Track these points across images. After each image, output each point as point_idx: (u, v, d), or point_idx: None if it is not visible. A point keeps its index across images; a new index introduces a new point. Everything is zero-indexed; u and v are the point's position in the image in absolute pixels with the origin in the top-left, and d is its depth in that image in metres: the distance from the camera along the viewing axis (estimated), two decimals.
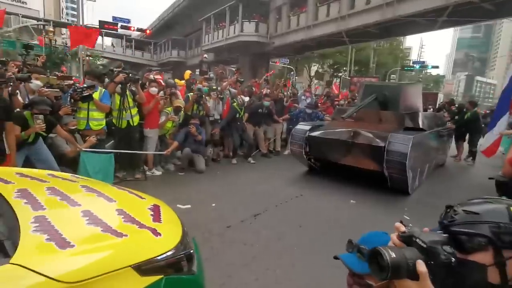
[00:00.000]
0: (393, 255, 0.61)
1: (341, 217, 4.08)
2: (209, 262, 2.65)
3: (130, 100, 4.71)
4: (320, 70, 35.17)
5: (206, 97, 6.26)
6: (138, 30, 23.13)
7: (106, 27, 20.65)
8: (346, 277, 0.94)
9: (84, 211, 1.51)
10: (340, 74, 31.67)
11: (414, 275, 0.62)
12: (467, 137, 8.38)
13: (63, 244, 1.21)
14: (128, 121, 4.76)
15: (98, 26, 21.06)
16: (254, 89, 8.72)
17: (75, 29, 6.79)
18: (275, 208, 4.25)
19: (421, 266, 0.61)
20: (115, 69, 4.75)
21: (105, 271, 1.18)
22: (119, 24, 21.11)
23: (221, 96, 6.73)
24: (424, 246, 0.64)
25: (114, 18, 21.68)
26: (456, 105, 9.69)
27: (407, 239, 0.67)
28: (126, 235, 1.40)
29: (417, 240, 0.65)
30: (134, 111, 4.86)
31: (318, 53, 27.74)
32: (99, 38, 27.70)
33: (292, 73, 27.85)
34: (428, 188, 5.53)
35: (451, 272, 0.63)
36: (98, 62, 25.60)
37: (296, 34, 18.79)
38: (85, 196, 1.77)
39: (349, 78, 24.48)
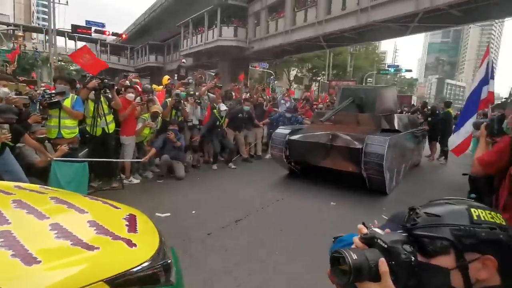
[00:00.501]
0: (355, 257, 0.60)
1: (322, 220, 4.11)
2: (190, 270, 2.58)
3: (105, 106, 4.55)
4: (299, 74, 35.75)
5: (184, 102, 6.17)
6: (114, 34, 22.58)
7: (79, 31, 20.04)
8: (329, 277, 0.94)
9: (53, 224, 1.44)
10: (319, 78, 32.32)
11: (375, 277, 0.60)
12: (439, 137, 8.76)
13: (29, 260, 1.14)
14: (103, 129, 4.59)
15: (70, 30, 20.47)
16: (233, 93, 8.71)
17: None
18: (257, 213, 4.23)
19: (383, 266, 0.60)
20: (87, 74, 4.57)
21: (76, 287, 1.13)
22: (93, 28, 20.53)
23: (199, 101, 6.65)
24: (385, 246, 0.63)
25: (87, 22, 21.04)
26: (429, 107, 10.10)
27: (369, 241, 0.66)
28: (98, 248, 1.34)
29: (379, 240, 0.64)
30: (110, 118, 4.70)
31: (297, 58, 28.21)
32: (72, 42, 26.89)
33: (272, 77, 28.11)
34: (405, 187, 5.69)
35: (413, 273, 0.62)
36: (71, 68, 24.70)
37: (274, 39, 19.01)
38: (54, 209, 1.67)
39: (328, 82, 25.02)
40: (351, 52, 29.74)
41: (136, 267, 1.33)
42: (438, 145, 8.80)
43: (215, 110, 6.51)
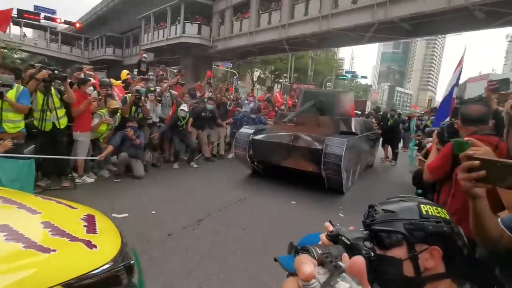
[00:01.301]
0: (320, 251, 0.64)
1: (283, 218, 4.21)
2: (149, 272, 2.50)
3: (56, 99, 4.20)
4: (262, 76, 36.19)
5: (145, 99, 5.94)
6: (66, 23, 20.95)
7: (26, 17, 18.27)
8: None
9: (1, 225, 1.34)
10: (281, 80, 32.98)
11: None
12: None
13: None
14: (53, 123, 4.24)
15: (15, 15, 18.58)
16: (197, 92, 8.57)
17: None
18: (219, 213, 4.21)
19: (346, 260, 0.63)
20: (36, 64, 4.18)
21: None
22: (42, 15, 18.85)
23: (160, 99, 6.44)
24: (348, 243, 0.68)
25: (36, 7, 19.27)
26: (381, 113, 10.84)
27: (335, 238, 0.70)
28: (54, 250, 1.27)
29: (343, 237, 0.69)
30: (61, 112, 4.35)
31: (261, 59, 28.52)
32: (17, 28, 24.41)
33: (235, 77, 28.09)
34: (360, 186, 6.05)
35: (372, 267, 0.67)
36: (16, 56, 22.37)
37: (239, 39, 19.02)
38: (1, 209, 1.55)
39: (290, 85, 25.65)
40: (312, 56, 30.86)
41: (96, 269, 1.28)
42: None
43: (178, 111, 6.33)
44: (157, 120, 6.41)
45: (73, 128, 4.78)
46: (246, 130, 5.76)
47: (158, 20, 23.03)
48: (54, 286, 1.13)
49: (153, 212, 4.00)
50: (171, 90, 6.98)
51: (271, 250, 3.29)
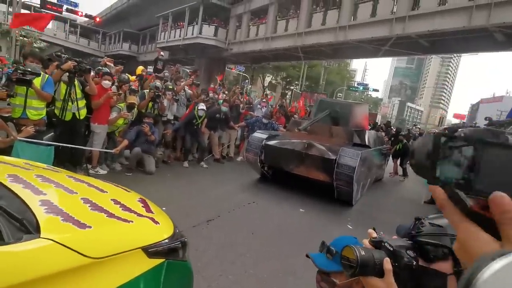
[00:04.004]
0: (363, 252, 0.68)
1: (291, 225, 4.21)
2: None
3: (78, 91, 4.29)
4: (274, 82, 36.29)
5: (162, 96, 6.02)
6: (87, 16, 21.34)
7: (49, 7, 18.67)
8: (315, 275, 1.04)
9: (83, 198, 1.55)
10: (291, 87, 33.02)
11: (380, 273, 0.68)
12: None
13: (80, 225, 1.27)
14: (73, 114, 4.33)
15: (38, 5, 19.04)
16: (210, 93, 8.65)
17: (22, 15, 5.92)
18: (228, 214, 4.23)
19: (387, 264, 0.68)
20: (63, 55, 4.29)
21: (121, 251, 1.29)
22: (65, 7, 19.26)
23: (176, 98, 6.53)
24: (391, 249, 0.70)
25: None
26: (394, 128, 10.77)
27: (377, 244, 0.73)
28: (131, 221, 1.51)
29: (385, 244, 0.72)
30: (82, 103, 4.44)
31: (273, 65, 28.62)
32: None
33: (246, 81, 28.22)
34: (368, 200, 6.01)
35: (413, 276, 0.70)
36: (35, 45, 22.88)
37: (254, 44, 19.14)
38: (76, 185, 1.75)
39: (300, 92, 25.67)
40: (325, 66, 30.84)
41: (162, 241, 1.50)
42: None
43: (195, 111, 6.39)
44: (172, 118, 6.48)
45: (91, 120, 4.87)
46: (259, 134, 5.78)
47: (176, 19, 23.33)
48: (136, 248, 1.35)
49: (164, 208, 4.01)
50: (186, 89, 7.06)
51: (280, 255, 3.30)
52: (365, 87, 36.05)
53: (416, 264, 0.70)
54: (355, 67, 69.19)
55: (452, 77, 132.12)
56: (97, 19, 23.79)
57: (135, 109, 5.42)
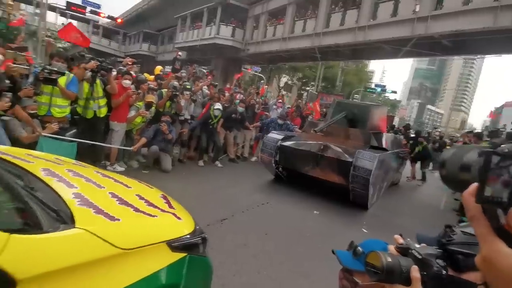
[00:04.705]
0: (389, 259, 0.66)
1: (305, 227, 4.18)
2: None
3: (99, 89, 4.43)
4: (290, 82, 36.11)
5: (180, 95, 6.11)
6: (109, 17, 22.02)
7: (73, 9, 19.36)
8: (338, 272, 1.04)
9: (111, 192, 1.65)
10: (308, 88, 32.76)
11: (406, 282, 0.66)
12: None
13: (110, 217, 1.36)
14: (94, 112, 4.47)
15: (63, 6, 19.74)
16: (226, 94, 8.70)
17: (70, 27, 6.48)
18: (242, 214, 4.24)
19: (415, 272, 0.65)
20: (86, 55, 4.44)
21: (147, 243, 1.37)
22: (88, 8, 19.90)
23: (194, 99, 6.60)
24: (419, 257, 0.68)
25: (83, 1, 20.39)
26: (413, 131, 10.49)
27: (404, 251, 0.71)
28: (156, 216, 1.60)
29: (413, 251, 0.70)
30: (103, 101, 4.58)
31: (290, 66, 28.49)
32: (62, 19, 25.90)
33: (262, 81, 28.22)
34: (384, 204, 5.88)
35: (442, 285, 0.67)
36: (59, 45, 23.76)
37: (271, 44, 19.13)
38: (105, 180, 1.85)
39: (317, 93, 25.44)
40: (342, 67, 30.42)
41: (184, 236, 1.58)
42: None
43: (211, 111, 6.44)
44: (189, 117, 6.57)
45: (111, 118, 5.00)
46: (274, 135, 5.76)
47: (194, 20, 23.64)
48: (161, 242, 1.43)
49: None
50: (204, 89, 7.15)
51: (293, 257, 3.28)
52: (383, 88, 35.30)
53: (446, 273, 0.67)
54: (373, 68, 67.96)
55: (474, 79, 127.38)
56: (119, 20, 24.43)
57: (153, 107, 5.52)
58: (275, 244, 3.49)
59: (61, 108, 4.01)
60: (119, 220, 1.37)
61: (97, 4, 20.43)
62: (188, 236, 1.59)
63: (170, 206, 1.80)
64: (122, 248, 1.24)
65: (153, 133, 5.39)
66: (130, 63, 6.38)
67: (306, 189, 5.63)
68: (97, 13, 20.60)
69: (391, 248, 0.74)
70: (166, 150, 5.60)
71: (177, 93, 5.87)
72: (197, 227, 1.74)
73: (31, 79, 3.87)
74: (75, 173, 1.77)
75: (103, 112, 4.61)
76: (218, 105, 6.46)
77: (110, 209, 1.41)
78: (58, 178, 1.58)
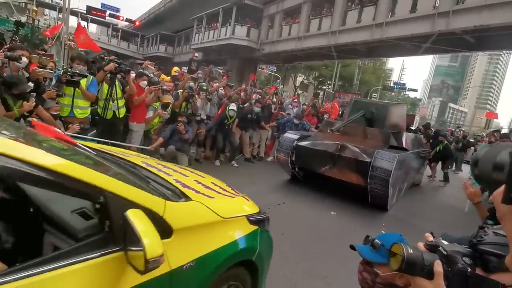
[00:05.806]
0: (410, 251, 0.67)
1: (322, 228, 4.13)
2: None
3: (118, 90, 4.54)
4: (305, 81, 35.83)
5: (196, 96, 6.17)
6: (127, 20, 22.58)
7: (94, 13, 19.98)
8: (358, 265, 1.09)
9: (195, 180, 2.00)
10: (324, 87, 32.39)
11: (429, 275, 0.66)
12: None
13: (207, 196, 1.75)
14: (114, 112, 4.59)
15: (84, 11, 20.40)
16: (242, 94, 8.72)
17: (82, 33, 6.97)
18: None
19: (438, 266, 0.66)
20: (106, 57, 4.56)
21: (236, 215, 1.80)
22: (108, 12, 20.49)
23: (210, 98, 6.66)
24: (445, 253, 0.69)
25: (103, 5, 21.01)
26: (432, 130, 10.16)
27: (433, 248, 0.72)
28: (233, 197, 2.04)
29: (440, 248, 0.70)
30: (122, 102, 4.69)
31: (305, 65, 28.26)
32: (83, 23, 26.83)
33: (278, 81, 28.13)
34: (404, 205, 5.72)
35: (466, 283, 0.66)
36: (80, 48, 24.60)
37: (286, 43, 19.05)
38: (185, 171, 2.22)
39: (333, 92, 25.10)
40: (359, 65, 29.87)
41: (255, 213, 1.97)
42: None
43: (226, 111, 6.48)
44: (205, 117, 6.62)
45: (130, 119, 5.11)
46: (290, 135, 5.72)
47: (210, 21, 23.87)
48: (243, 215, 1.85)
49: None
50: (220, 90, 7.20)
51: (310, 258, 3.25)
52: (402, 87, 34.36)
53: (471, 271, 0.67)
54: (391, 66, 66.27)
55: (501, 76, 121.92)
56: (137, 23, 25.02)
57: (170, 108, 5.60)
58: (291, 244, 3.46)
59: (82, 109, 4.13)
60: (214, 198, 1.77)
61: (116, 7, 21.01)
62: (258, 213, 1.97)
63: (236, 192, 2.18)
64: (222, 217, 1.64)
65: (170, 133, 5.47)
66: (149, 66, 6.54)
67: (322, 190, 5.55)
68: (116, 17, 21.16)
69: (420, 244, 0.75)
70: (183, 150, 5.67)
71: (193, 94, 5.93)
72: (261, 209, 2.10)
73: (53, 81, 4.01)
74: (163, 165, 2.13)
75: (122, 112, 4.72)
76: (232, 106, 6.49)
77: (203, 191, 1.79)
78: (157, 168, 1.93)
